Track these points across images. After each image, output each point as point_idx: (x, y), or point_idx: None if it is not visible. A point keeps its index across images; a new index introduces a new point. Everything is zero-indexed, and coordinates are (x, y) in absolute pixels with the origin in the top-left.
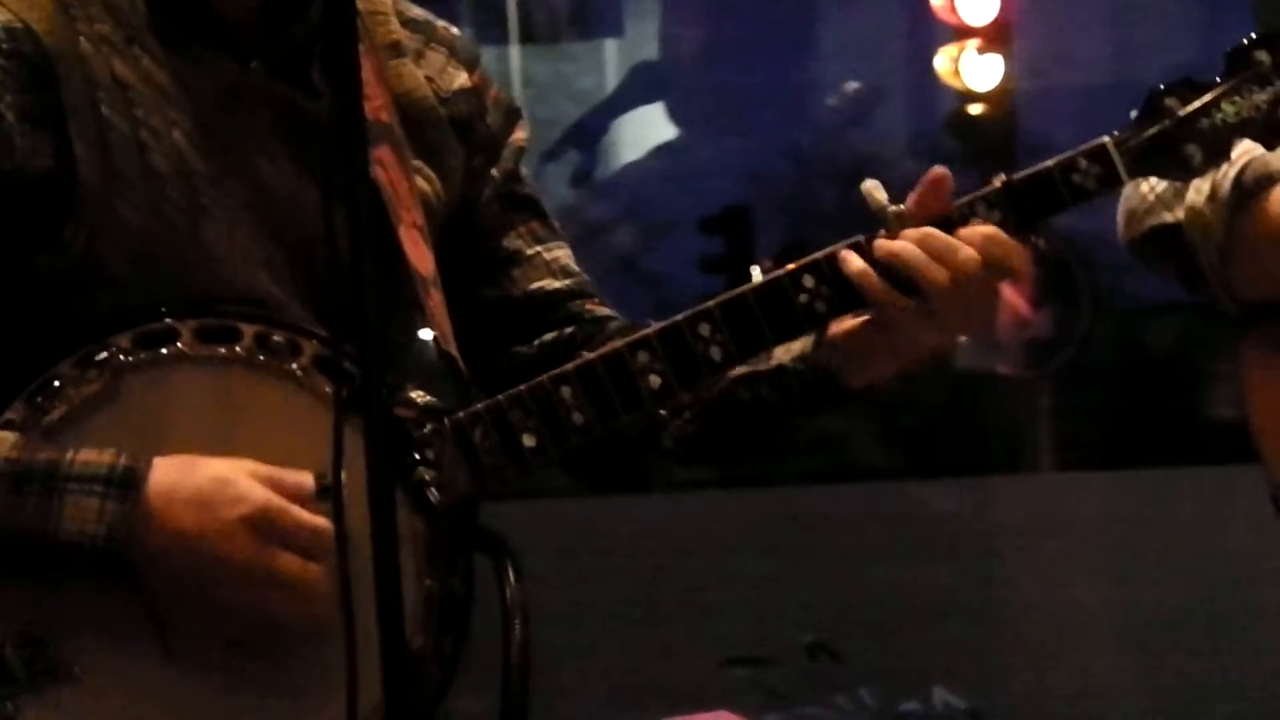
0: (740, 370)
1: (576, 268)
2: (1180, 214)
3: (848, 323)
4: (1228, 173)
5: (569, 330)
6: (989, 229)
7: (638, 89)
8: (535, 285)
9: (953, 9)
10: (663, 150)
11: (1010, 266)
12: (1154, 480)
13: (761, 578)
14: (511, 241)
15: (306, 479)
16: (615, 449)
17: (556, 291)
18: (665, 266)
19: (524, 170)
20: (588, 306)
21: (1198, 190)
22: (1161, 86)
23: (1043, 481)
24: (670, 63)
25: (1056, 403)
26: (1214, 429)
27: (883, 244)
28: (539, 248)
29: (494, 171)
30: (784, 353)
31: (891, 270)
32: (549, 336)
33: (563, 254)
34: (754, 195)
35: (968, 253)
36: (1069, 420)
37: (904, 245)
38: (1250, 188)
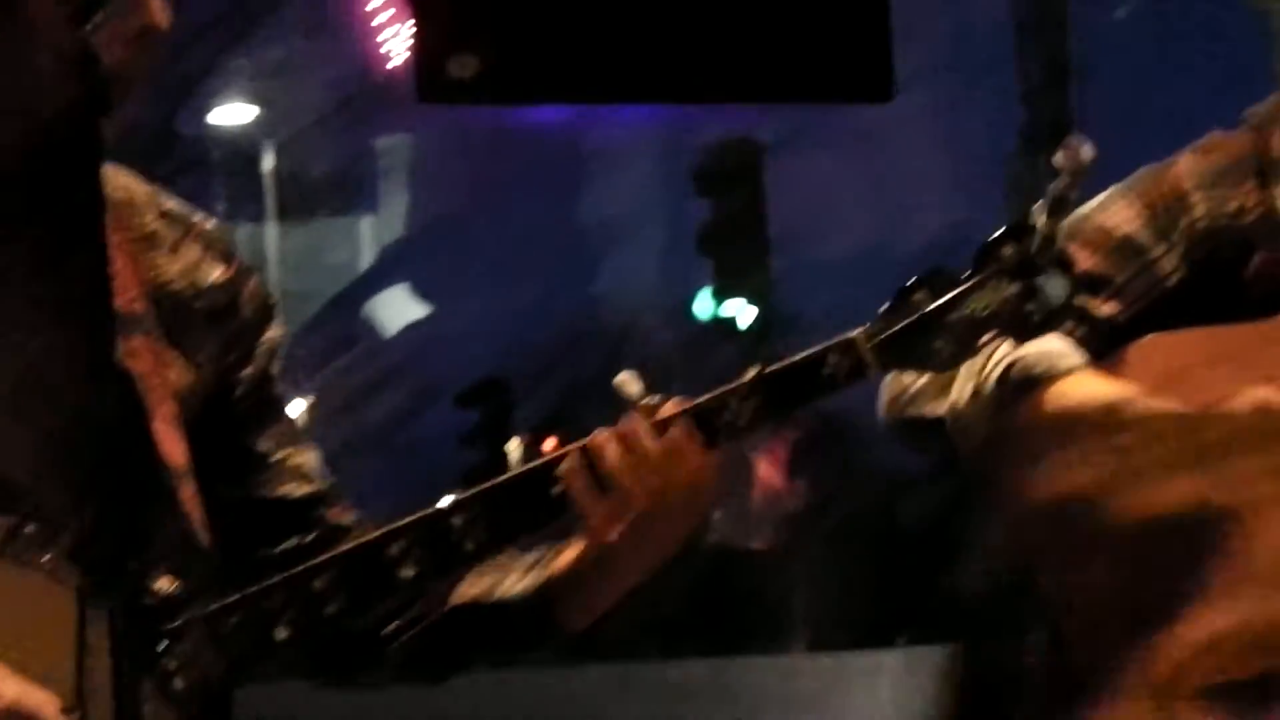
0: (468, 596)
1: (323, 472)
2: (941, 408)
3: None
4: (991, 373)
5: (312, 536)
6: (679, 441)
7: (393, 263)
8: (281, 490)
9: None
10: (420, 323)
11: (679, 481)
12: (906, 659)
13: None
14: (260, 443)
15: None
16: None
17: (302, 498)
18: (423, 439)
19: (275, 369)
20: (332, 514)
21: (960, 389)
22: (911, 280)
23: (794, 661)
24: (425, 236)
25: (810, 577)
26: (966, 604)
27: (594, 440)
28: (287, 450)
29: (246, 370)
30: (515, 582)
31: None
32: (292, 543)
33: (310, 458)
34: (513, 366)
35: (658, 460)
36: (823, 596)
37: (606, 439)
38: (1014, 389)
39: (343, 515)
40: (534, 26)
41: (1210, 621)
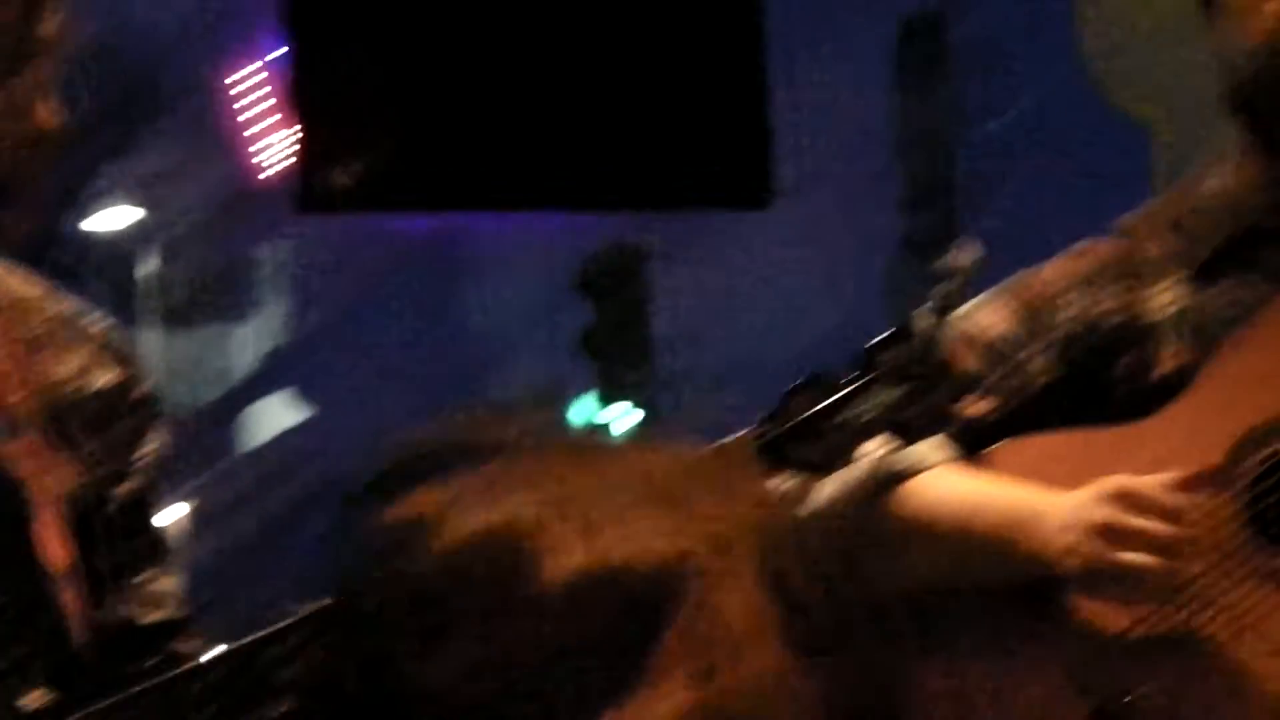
0: None
1: (179, 600)
2: (804, 512)
3: None
4: (851, 473)
5: (152, 664)
6: None
7: (272, 369)
8: (132, 613)
9: None
10: (299, 429)
11: None
12: None
13: None
14: (121, 558)
15: None
16: None
17: (151, 625)
18: (302, 545)
19: (153, 481)
20: (179, 644)
21: (819, 491)
22: (795, 384)
23: None
24: (305, 342)
25: None
26: None
27: None
28: (148, 571)
29: (124, 481)
30: None
31: None
32: (150, 663)
33: (169, 583)
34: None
35: None
36: None
37: None
38: (879, 484)
39: (190, 645)
40: (414, 136)
41: None
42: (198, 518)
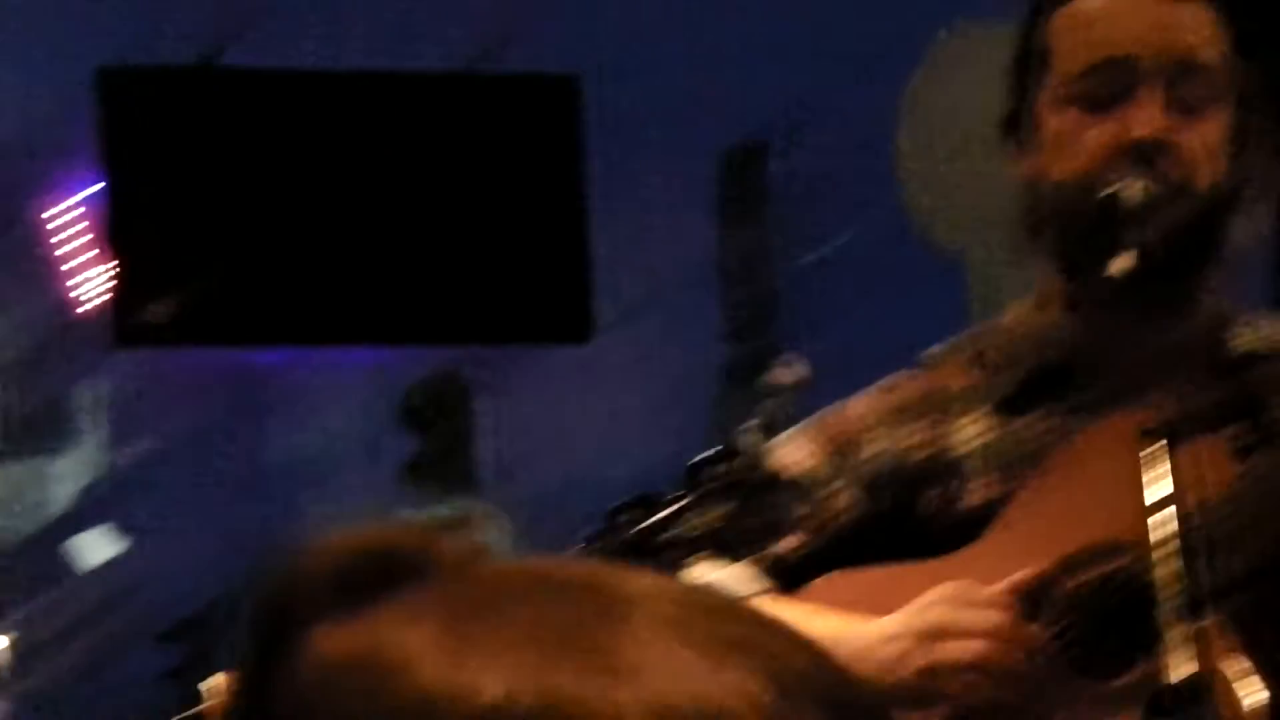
0: None
1: None
2: None
3: None
4: None
5: None
6: None
7: (93, 503)
8: None
9: None
10: (120, 562)
11: None
12: None
13: None
14: None
15: None
16: None
17: None
18: (125, 679)
19: None
20: None
21: None
22: (620, 502)
23: None
24: (125, 476)
25: None
26: None
27: None
28: None
29: None
30: None
31: None
32: None
33: None
34: (218, 602)
35: None
36: None
37: None
38: None
39: None
40: (234, 269)
41: None
42: (18, 650)
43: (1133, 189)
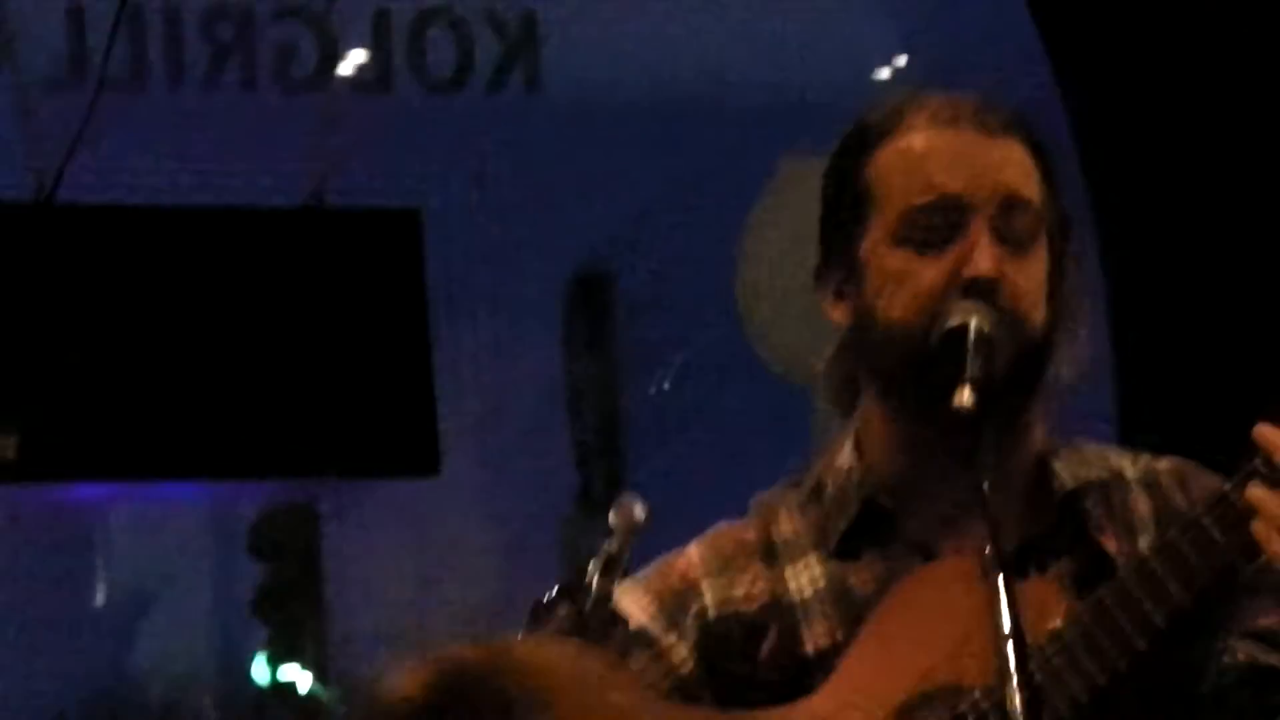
0: None
1: None
2: None
3: None
4: None
5: None
6: None
7: None
8: None
9: None
10: None
11: None
12: None
13: None
14: None
15: None
16: None
17: None
18: None
19: None
20: None
21: None
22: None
23: None
24: None
25: None
26: None
27: None
28: None
29: None
30: None
31: None
32: None
33: None
34: None
35: None
36: None
37: None
38: None
39: None
40: (73, 404)
41: None
42: None
43: (975, 323)
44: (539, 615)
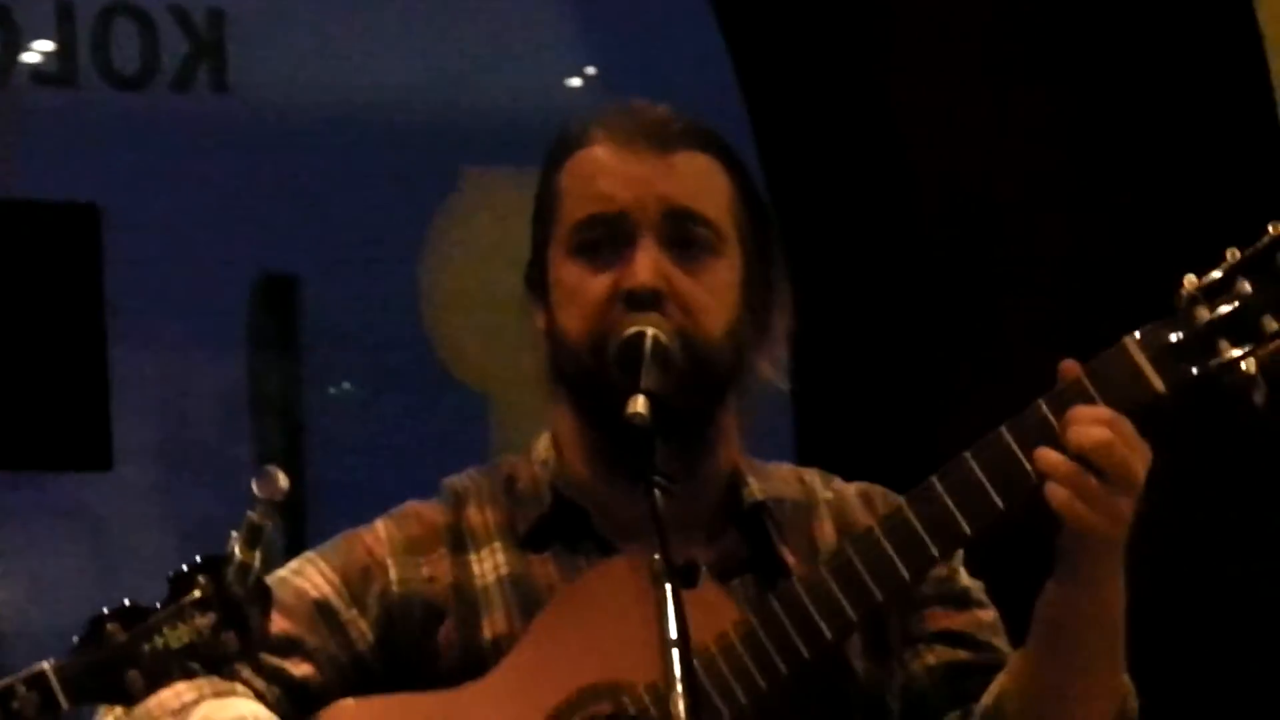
0: None
1: None
2: None
3: None
4: None
5: None
6: None
7: None
8: None
9: None
10: None
11: None
12: None
13: None
14: None
15: None
16: None
17: None
18: None
19: None
20: None
21: None
22: (103, 612)
23: None
24: None
25: None
26: None
27: None
28: None
29: None
30: None
31: None
32: None
33: None
34: None
35: None
36: None
37: None
38: None
39: None
40: None
41: None
42: None
43: (651, 334)
44: (178, 586)
